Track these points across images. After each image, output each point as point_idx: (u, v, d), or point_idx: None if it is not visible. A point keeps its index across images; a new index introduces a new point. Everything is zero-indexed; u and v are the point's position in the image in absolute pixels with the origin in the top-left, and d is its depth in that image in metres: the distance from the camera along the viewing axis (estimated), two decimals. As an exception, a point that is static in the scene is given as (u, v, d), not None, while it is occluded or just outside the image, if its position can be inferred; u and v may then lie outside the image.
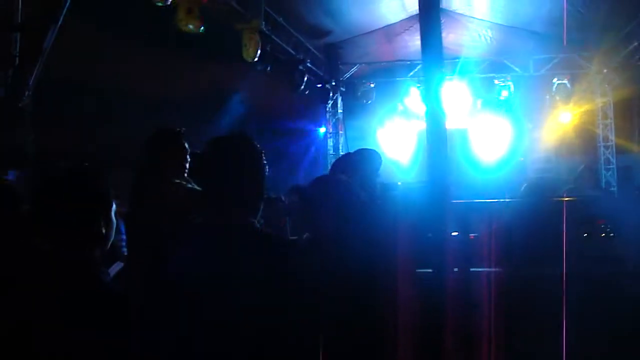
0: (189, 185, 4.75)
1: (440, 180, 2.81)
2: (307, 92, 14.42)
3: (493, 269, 5.07)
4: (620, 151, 15.77)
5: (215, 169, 2.77)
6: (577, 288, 4.89)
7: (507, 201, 7.18)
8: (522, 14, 13.03)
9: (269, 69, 12.26)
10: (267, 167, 2.84)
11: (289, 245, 3.09)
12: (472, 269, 5.07)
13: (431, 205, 2.84)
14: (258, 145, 2.85)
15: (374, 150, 5.28)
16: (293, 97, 14.40)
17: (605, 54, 14.41)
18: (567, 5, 10.88)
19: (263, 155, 2.84)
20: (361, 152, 5.16)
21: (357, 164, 4.85)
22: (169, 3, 8.81)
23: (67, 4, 7.44)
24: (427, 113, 2.77)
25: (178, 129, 5.06)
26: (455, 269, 4.86)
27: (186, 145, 4.91)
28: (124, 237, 5.77)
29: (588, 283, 5.17)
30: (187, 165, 4.87)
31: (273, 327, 2.55)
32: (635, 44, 12.54)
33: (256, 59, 11.29)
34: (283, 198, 7.60)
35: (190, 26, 9.29)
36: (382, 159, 5.28)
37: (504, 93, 15.86)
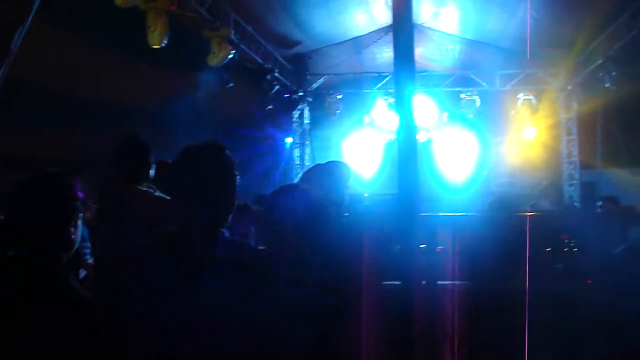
0: (157, 193, 4.70)
1: (410, 192, 2.80)
2: (274, 102, 14.42)
3: (459, 282, 5.08)
4: (583, 167, 15.95)
5: (187, 177, 2.75)
6: (542, 302, 4.93)
7: (474, 215, 7.22)
8: (490, 30, 13.20)
9: (236, 77, 12.25)
10: (238, 176, 2.82)
11: (259, 254, 3.07)
12: (439, 282, 5.08)
13: (400, 218, 2.83)
14: (230, 155, 2.83)
15: (344, 163, 5.27)
16: (260, 106, 14.37)
17: (570, 70, 14.62)
18: (532, 21, 11.03)
19: (235, 165, 2.82)
20: (331, 164, 5.15)
21: (326, 175, 4.84)
22: (130, 6, 8.79)
23: (36, 5, 7.35)
24: (400, 126, 2.76)
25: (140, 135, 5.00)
26: (423, 282, 4.88)
27: (149, 151, 4.86)
28: (89, 244, 5.69)
29: (552, 297, 5.22)
30: (152, 172, 4.82)
31: (250, 337, 2.54)
32: (599, 61, 12.73)
33: (222, 66, 11.31)
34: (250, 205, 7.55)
35: (157, 32, 9.28)
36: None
37: (471, 109, 15.97)
